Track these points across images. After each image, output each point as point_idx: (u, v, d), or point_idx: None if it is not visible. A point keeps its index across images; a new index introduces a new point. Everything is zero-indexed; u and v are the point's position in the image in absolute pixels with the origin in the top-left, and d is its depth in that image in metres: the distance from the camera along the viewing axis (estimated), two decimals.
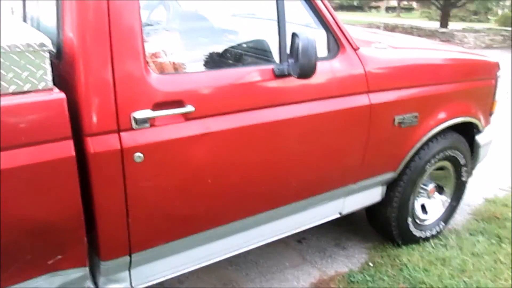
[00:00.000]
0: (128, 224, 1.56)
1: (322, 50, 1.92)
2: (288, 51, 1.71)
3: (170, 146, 1.54)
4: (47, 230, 1.40)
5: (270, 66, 1.74)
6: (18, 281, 1.42)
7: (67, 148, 1.33)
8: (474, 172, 2.98)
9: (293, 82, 1.73)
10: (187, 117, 1.56)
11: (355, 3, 37.56)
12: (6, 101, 1.25)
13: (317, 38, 1.89)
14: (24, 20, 2.02)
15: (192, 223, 1.76)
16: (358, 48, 1.99)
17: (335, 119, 1.95)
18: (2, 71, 1.25)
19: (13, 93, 1.28)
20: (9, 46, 1.24)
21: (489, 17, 28.91)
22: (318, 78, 1.83)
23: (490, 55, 2.90)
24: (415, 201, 2.65)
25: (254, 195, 1.87)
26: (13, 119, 1.26)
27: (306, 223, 2.20)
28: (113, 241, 1.58)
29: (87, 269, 1.56)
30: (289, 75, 1.70)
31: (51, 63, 1.34)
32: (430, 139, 2.43)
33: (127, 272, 1.68)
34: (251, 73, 1.70)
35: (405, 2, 39.02)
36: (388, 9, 42.08)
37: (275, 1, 1.73)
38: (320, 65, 1.81)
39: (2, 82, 1.25)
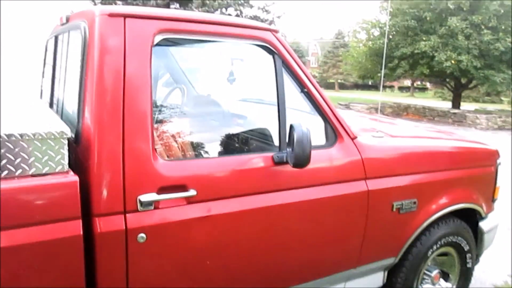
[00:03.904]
0: None
1: (321, 138, 2.05)
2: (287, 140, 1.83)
3: (172, 227, 1.63)
4: None
5: (270, 153, 1.85)
6: None
7: (76, 228, 1.43)
8: (482, 258, 2.95)
9: (292, 168, 1.83)
10: (189, 200, 1.66)
11: (370, 82, 38.80)
12: (26, 182, 1.38)
13: (317, 127, 2.03)
14: (51, 104, 2.21)
15: None
16: (356, 137, 2.11)
17: (333, 204, 2.03)
18: (24, 155, 1.39)
19: (32, 175, 1.41)
20: (34, 134, 1.40)
21: (502, 98, 29.35)
22: (316, 165, 1.94)
23: (491, 143, 2.99)
24: None
25: (252, 277, 1.91)
26: (30, 199, 1.38)
27: None
28: None
29: None
30: (287, 162, 1.81)
31: (69, 146, 1.48)
32: (431, 225, 2.46)
33: None
34: (252, 160, 1.82)
35: (418, 83, 40.11)
36: (402, 88, 43.30)
37: (275, 93, 1.89)
38: (318, 153, 1.94)
39: (23, 165, 1.39)
